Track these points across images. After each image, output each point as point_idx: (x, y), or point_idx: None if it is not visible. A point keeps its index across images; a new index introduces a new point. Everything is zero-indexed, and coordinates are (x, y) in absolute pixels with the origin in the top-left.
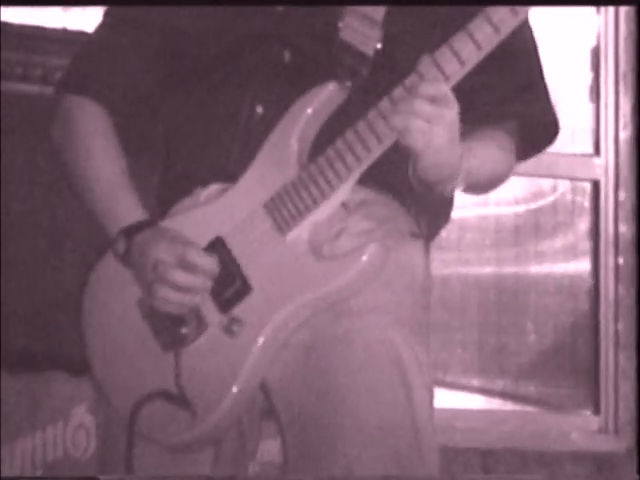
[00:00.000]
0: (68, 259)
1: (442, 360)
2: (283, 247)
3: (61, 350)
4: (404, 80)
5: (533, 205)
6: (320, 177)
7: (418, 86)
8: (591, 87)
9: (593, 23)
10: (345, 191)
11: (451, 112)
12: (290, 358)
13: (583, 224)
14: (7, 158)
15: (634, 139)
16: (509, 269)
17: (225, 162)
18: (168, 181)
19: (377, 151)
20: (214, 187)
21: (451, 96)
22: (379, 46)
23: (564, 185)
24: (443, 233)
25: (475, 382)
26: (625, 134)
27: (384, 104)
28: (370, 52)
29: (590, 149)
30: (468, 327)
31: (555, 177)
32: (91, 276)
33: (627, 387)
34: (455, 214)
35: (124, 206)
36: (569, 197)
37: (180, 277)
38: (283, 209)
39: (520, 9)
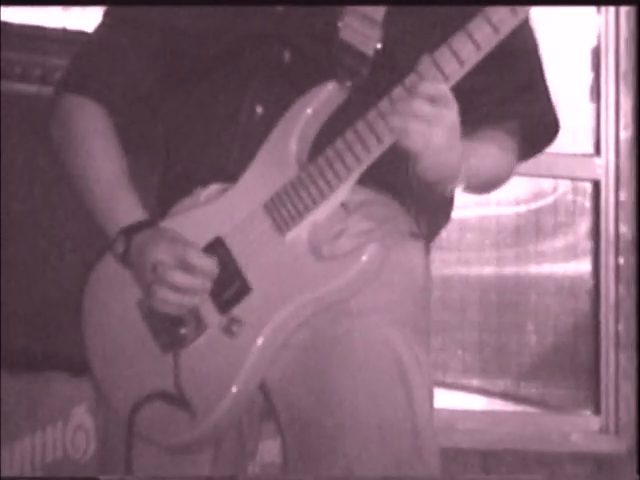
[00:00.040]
0: (68, 259)
1: (442, 360)
2: (282, 247)
3: (61, 350)
4: (404, 80)
5: (534, 205)
6: (319, 177)
7: (417, 86)
8: (592, 87)
9: (594, 23)
10: (345, 191)
11: (450, 112)
12: (290, 358)
13: (584, 224)
14: (6, 158)
15: (635, 139)
16: (510, 269)
17: (225, 162)
18: (168, 181)
19: (377, 151)
20: (214, 187)
21: (450, 96)
22: (379, 46)
23: (565, 185)
24: (443, 233)
25: (475, 382)
26: (626, 134)
27: (384, 104)
28: (370, 52)
29: (591, 149)
30: (468, 327)
31: (556, 177)
32: (91, 276)
33: (628, 387)
34: (455, 214)
35: (123, 206)
36: (570, 197)
37: (179, 278)
38: (282, 209)
39: (520, 9)
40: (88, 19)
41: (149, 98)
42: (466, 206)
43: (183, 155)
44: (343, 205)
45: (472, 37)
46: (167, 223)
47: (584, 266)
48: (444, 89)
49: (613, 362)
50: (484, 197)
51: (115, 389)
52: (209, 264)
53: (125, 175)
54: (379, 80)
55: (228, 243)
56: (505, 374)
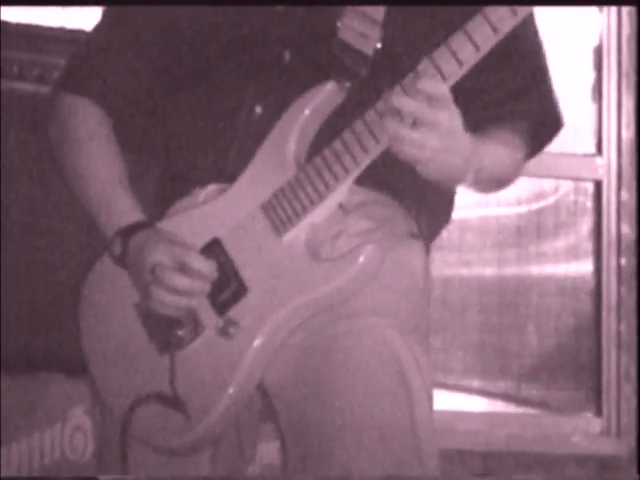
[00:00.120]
0: (68, 260)
1: (443, 362)
2: (280, 248)
3: (59, 351)
4: (402, 80)
5: (535, 205)
6: (317, 178)
7: (416, 84)
8: (594, 87)
9: (596, 23)
10: (342, 192)
11: (447, 114)
12: (289, 359)
13: (585, 225)
14: (5, 157)
15: (637, 139)
16: (510, 270)
17: (224, 162)
18: (166, 181)
19: (375, 152)
20: (212, 187)
21: (449, 96)
22: (379, 46)
23: (566, 185)
24: (444, 234)
25: (476, 384)
26: (628, 134)
27: (381, 104)
28: (370, 52)
29: (592, 149)
30: (469, 328)
31: (557, 177)
32: (88, 277)
33: (629, 389)
34: (456, 215)
35: (121, 207)
36: (571, 197)
37: (178, 280)
38: (280, 210)
39: (519, 9)
40: (87, 18)
41: (147, 98)
42: (467, 206)
43: (181, 155)
44: (341, 206)
45: (471, 37)
46: (165, 223)
47: (585, 267)
48: (443, 88)
49: (615, 363)
50: (485, 197)
51: (112, 390)
52: (208, 267)
53: (123, 176)
54: (379, 80)
55: (225, 244)
56: (506, 375)
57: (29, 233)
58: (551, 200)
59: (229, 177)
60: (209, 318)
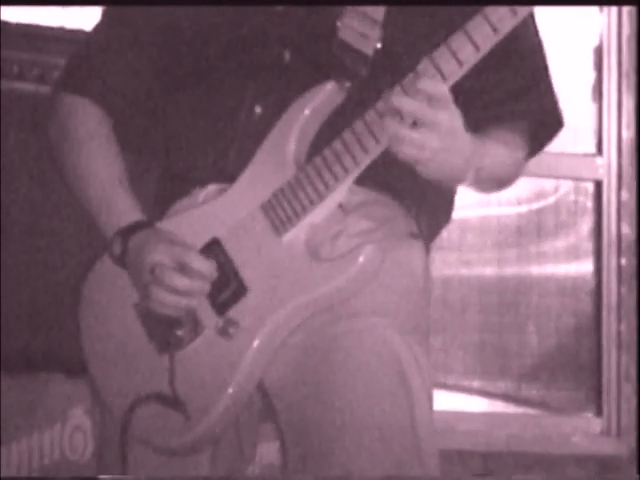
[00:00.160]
0: (68, 260)
1: (443, 362)
2: (279, 248)
3: (59, 351)
4: (402, 80)
5: (535, 205)
6: (317, 178)
7: (416, 84)
8: (594, 87)
9: (596, 23)
10: (342, 192)
11: (447, 114)
12: (289, 359)
13: (585, 224)
14: (5, 157)
15: (637, 138)
16: (511, 270)
17: (224, 162)
18: (166, 181)
19: (375, 152)
20: (212, 187)
21: (449, 96)
22: (379, 46)
23: (566, 185)
24: (444, 233)
25: (476, 384)
26: (628, 134)
27: (381, 104)
28: (370, 52)
29: (593, 149)
30: (469, 328)
31: (557, 177)
32: (88, 277)
33: (629, 389)
34: (456, 214)
35: (121, 207)
36: (571, 197)
37: (178, 280)
38: (280, 210)
39: (519, 9)
40: (87, 18)
41: (147, 98)
42: (467, 206)
43: (181, 155)
44: (341, 206)
45: (471, 37)
46: (165, 223)
47: (586, 267)
48: (443, 88)
49: (615, 363)
50: (485, 197)
51: (111, 390)
52: (207, 267)
53: (123, 176)
54: (379, 80)
55: (225, 244)
56: (506, 375)
57: (29, 233)
58: (551, 200)
59: (229, 177)
60: (209, 318)
